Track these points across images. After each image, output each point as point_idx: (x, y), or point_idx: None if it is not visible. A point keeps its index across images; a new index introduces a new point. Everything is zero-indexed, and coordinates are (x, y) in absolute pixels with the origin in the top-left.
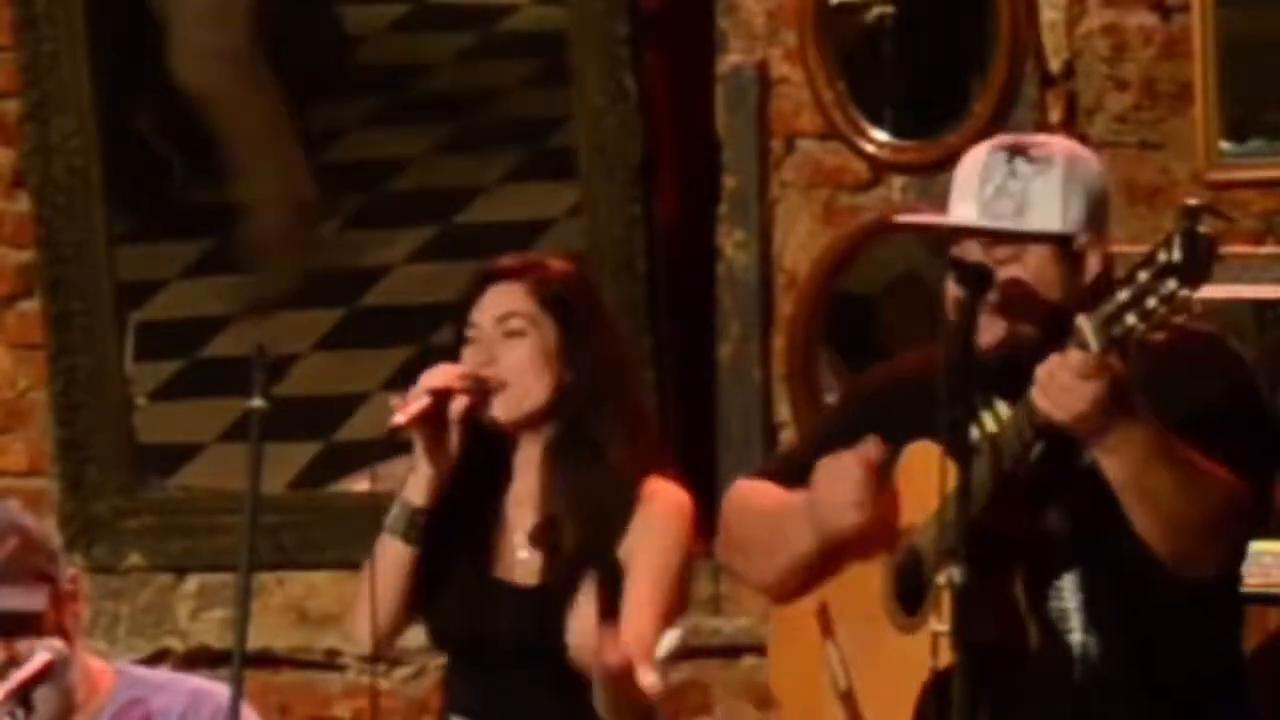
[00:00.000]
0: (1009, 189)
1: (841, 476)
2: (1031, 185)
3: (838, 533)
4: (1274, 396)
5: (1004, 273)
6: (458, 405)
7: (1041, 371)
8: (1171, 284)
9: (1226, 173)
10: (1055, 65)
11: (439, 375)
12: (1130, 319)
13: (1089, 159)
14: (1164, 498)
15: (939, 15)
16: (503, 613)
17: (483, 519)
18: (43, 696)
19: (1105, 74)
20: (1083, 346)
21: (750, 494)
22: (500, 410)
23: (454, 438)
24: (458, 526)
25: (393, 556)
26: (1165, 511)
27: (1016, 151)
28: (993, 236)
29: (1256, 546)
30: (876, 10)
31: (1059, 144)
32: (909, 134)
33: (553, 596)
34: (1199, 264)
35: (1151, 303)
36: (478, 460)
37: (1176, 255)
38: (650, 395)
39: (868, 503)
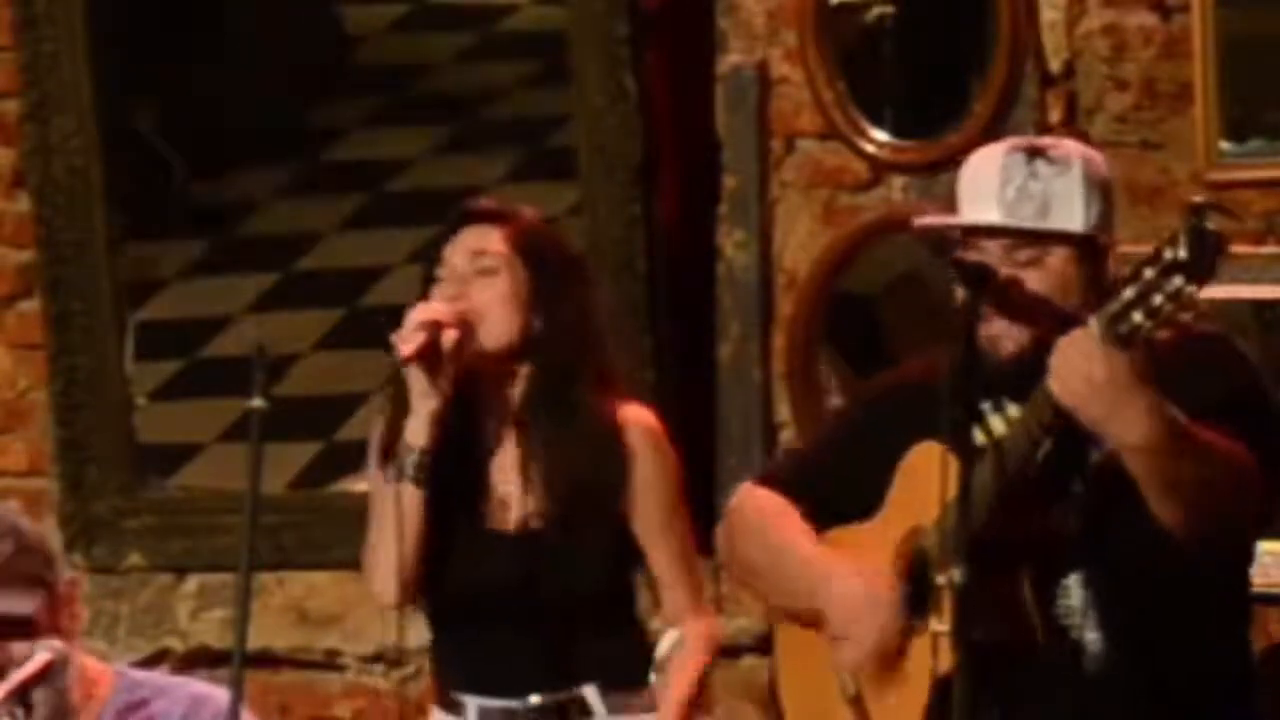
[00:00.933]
0: (1031, 190)
1: (869, 615)
2: (1053, 186)
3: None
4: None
5: (1026, 275)
6: (449, 337)
7: (1054, 355)
8: (1178, 281)
9: (1226, 173)
10: (1055, 65)
11: (426, 310)
12: (1137, 316)
13: (1100, 160)
14: (1184, 481)
15: (939, 15)
16: (496, 562)
17: (468, 479)
18: (41, 698)
19: (1105, 74)
20: None
21: (763, 513)
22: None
23: (448, 371)
24: (447, 488)
25: (406, 504)
26: (1186, 494)
27: (1035, 153)
28: (1020, 236)
29: (1258, 546)
30: (876, 10)
31: (1073, 145)
32: (909, 134)
33: (546, 543)
34: (1205, 261)
35: (1158, 300)
36: (457, 422)
37: (1183, 252)
38: (648, 392)
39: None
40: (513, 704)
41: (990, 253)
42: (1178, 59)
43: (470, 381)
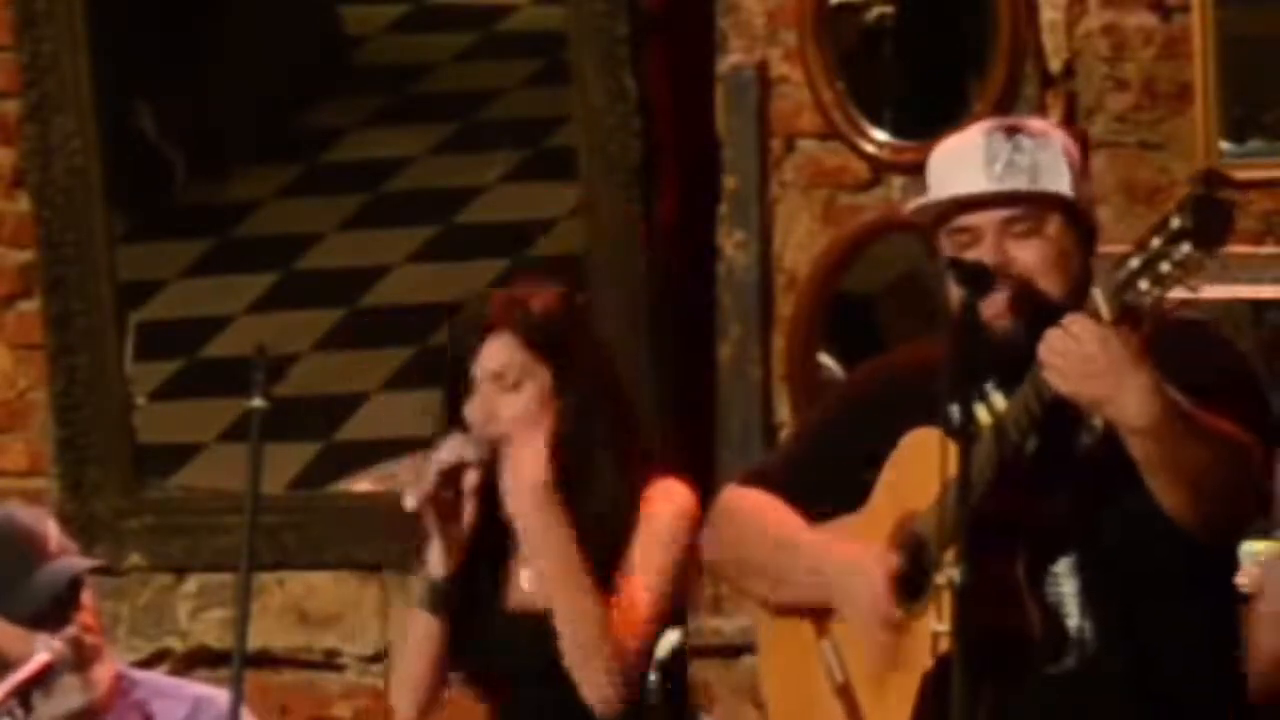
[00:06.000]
0: (1017, 163)
1: (864, 582)
2: (1039, 157)
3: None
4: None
5: (1026, 248)
6: (471, 479)
7: (1043, 346)
8: (1185, 248)
9: (1226, 173)
10: (1055, 65)
11: (449, 451)
12: (1143, 285)
13: (1069, 138)
14: (1188, 464)
15: (939, 15)
16: (514, 641)
17: (493, 550)
18: (65, 689)
19: (1105, 74)
20: (1095, 316)
21: (749, 506)
22: (508, 466)
23: (469, 509)
24: (473, 567)
25: (424, 631)
26: (1190, 477)
27: (1014, 130)
28: (1016, 203)
29: (1257, 546)
30: (876, 10)
31: (1045, 122)
32: (909, 134)
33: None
34: (1213, 228)
35: (1165, 268)
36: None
37: (1189, 220)
38: (648, 399)
39: (880, 615)
40: None
41: (985, 232)
42: (1178, 59)
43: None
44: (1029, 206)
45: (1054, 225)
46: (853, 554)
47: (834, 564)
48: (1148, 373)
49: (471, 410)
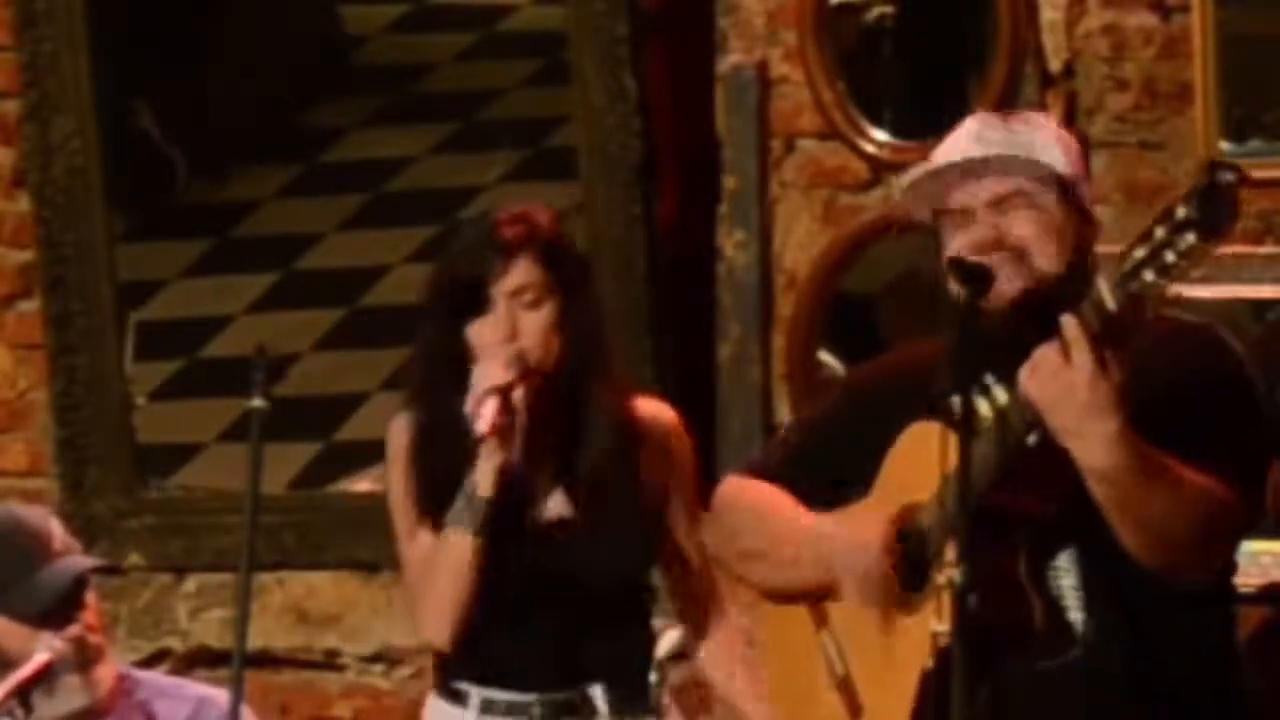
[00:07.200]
0: (1012, 141)
1: (862, 553)
2: (1033, 137)
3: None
4: (1269, 393)
5: (1020, 220)
6: (518, 395)
7: (1037, 353)
8: (1190, 238)
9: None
10: (1055, 65)
11: (494, 373)
12: (1148, 275)
13: (1063, 130)
14: (1146, 515)
15: (939, 15)
16: (522, 556)
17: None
18: (67, 689)
19: (1105, 74)
20: (1099, 305)
21: (750, 496)
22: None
23: (521, 423)
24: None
25: (465, 551)
26: (1148, 527)
27: (1006, 117)
28: (1004, 170)
29: (1257, 546)
30: (876, 10)
31: (1038, 114)
32: (909, 134)
33: (573, 538)
34: (1218, 217)
35: (1170, 258)
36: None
37: (1195, 210)
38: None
39: (881, 587)
40: (518, 697)
41: (976, 209)
42: (1178, 59)
43: None
44: (1020, 180)
45: (1047, 197)
46: (851, 530)
47: (833, 540)
48: (1118, 420)
49: (486, 329)
